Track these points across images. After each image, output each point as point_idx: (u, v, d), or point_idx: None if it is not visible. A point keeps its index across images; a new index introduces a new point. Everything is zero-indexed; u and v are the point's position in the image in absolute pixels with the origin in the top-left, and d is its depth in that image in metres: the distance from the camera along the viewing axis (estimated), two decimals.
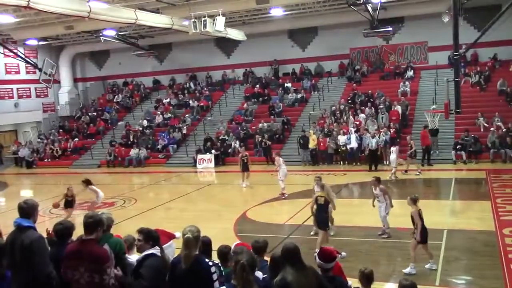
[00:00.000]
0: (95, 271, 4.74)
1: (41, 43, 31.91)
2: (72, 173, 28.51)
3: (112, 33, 28.72)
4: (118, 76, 38.04)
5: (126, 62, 36.35)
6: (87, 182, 15.27)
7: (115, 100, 36.40)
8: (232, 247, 5.79)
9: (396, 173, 19.70)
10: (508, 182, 17.73)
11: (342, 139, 24.25)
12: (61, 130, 34.64)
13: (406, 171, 20.56)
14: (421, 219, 9.39)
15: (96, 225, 4.92)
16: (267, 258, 5.77)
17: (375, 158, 22.56)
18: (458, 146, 22.55)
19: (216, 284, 4.80)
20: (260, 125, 27.99)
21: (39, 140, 33.87)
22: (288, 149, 26.46)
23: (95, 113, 35.34)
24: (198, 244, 4.95)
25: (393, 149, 20.15)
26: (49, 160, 31.61)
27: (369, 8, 24.59)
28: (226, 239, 7.63)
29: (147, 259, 5.19)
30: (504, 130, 22.89)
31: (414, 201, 9.55)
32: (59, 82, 37.14)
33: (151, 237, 5.40)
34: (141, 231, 5.53)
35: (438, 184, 19.00)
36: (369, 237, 11.83)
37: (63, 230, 5.28)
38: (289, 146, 26.89)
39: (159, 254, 5.19)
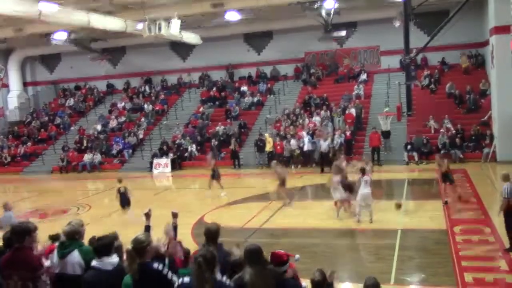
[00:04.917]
0: (28, 279, 4.70)
1: None
2: (23, 180, 27.67)
3: (63, 35, 27.99)
4: (70, 80, 37.03)
5: (79, 66, 35.46)
6: None
7: (67, 104, 35.51)
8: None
9: None
10: (458, 182, 18.28)
11: (293, 143, 24.52)
12: (10, 136, 33.47)
13: None
14: None
15: (23, 232, 4.84)
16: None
17: (326, 161, 22.81)
18: (409, 146, 23.17)
19: (174, 277, 4.75)
20: (217, 128, 27.93)
21: None
22: (245, 152, 26.49)
23: (46, 118, 34.38)
24: (143, 253, 4.78)
25: None
26: None
27: (323, 13, 24.94)
28: (184, 244, 7.53)
29: (85, 272, 5.09)
30: (453, 131, 23.66)
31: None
32: (7, 86, 35.96)
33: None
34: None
35: (391, 185, 19.38)
36: (325, 238, 11.96)
37: None
38: (246, 149, 26.91)
39: (99, 266, 4.96)
